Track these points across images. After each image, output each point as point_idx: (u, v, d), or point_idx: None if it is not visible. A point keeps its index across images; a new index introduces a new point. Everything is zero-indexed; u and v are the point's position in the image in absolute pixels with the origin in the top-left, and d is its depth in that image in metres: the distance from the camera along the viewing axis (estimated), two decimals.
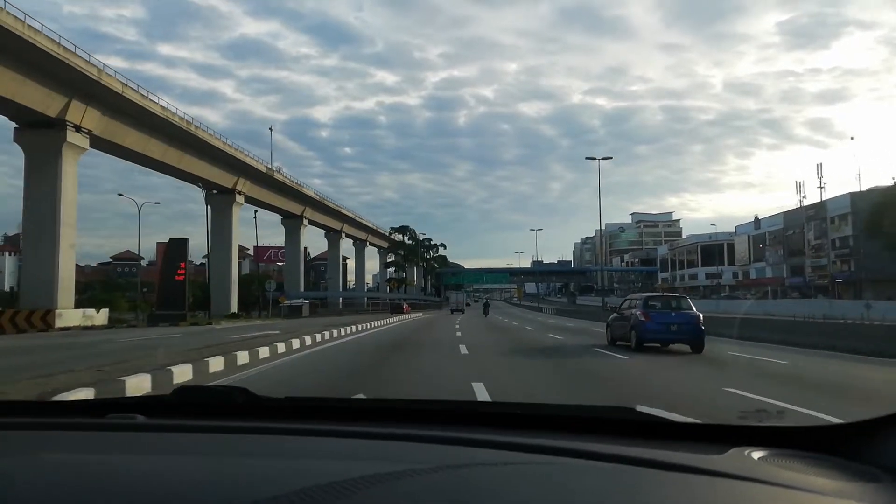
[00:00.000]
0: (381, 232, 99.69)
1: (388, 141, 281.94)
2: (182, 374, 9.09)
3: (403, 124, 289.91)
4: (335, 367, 12.22)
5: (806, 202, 70.71)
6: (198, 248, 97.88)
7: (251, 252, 78.96)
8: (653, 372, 11.33)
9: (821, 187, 69.71)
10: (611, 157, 61.59)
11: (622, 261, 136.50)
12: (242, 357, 11.72)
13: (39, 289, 30.82)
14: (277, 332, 21.02)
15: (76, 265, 38.66)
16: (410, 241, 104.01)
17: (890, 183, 63.76)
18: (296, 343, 15.62)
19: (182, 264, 37.60)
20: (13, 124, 31.99)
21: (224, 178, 49.49)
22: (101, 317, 32.67)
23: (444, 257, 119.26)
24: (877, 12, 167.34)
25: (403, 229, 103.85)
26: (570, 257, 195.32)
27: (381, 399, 2.76)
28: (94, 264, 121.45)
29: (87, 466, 1.10)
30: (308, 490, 0.85)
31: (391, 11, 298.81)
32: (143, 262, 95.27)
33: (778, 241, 73.33)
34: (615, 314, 17.36)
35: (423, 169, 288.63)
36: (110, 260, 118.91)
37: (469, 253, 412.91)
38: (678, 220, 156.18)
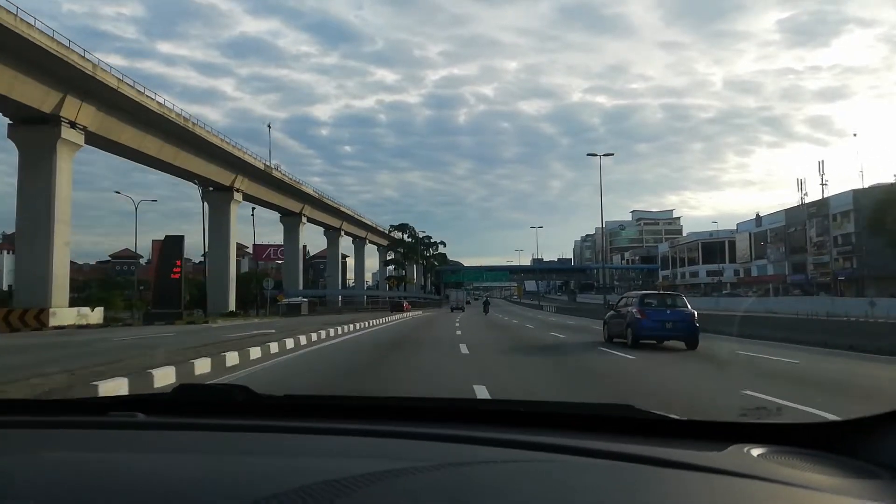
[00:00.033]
0: (381, 230, 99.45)
1: (388, 139, 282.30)
2: (164, 377, 8.53)
3: (403, 122, 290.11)
4: (332, 367, 12.05)
5: (807, 199, 70.71)
6: (197, 245, 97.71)
7: (251, 250, 78.63)
8: (652, 369, 11.36)
9: (822, 184, 69.21)
10: (612, 154, 61.56)
11: (622, 258, 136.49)
12: (232, 358, 11.28)
13: (34, 287, 30.47)
14: (273, 331, 20.65)
15: (75, 263, 38.37)
16: (410, 239, 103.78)
17: (892, 180, 63.65)
18: (290, 343, 15.25)
19: (178, 262, 37.36)
20: (7, 120, 31.69)
21: (222, 176, 49.13)
22: (96, 315, 32.29)
23: (444, 255, 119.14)
24: (877, 10, 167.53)
25: (403, 227, 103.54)
26: (570, 255, 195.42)
27: (382, 396, 2.63)
28: (93, 262, 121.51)
29: (87, 464, 1.10)
30: (308, 488, 0.85)
31: (391, 10, 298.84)
32: (142, 261, 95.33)
33: (780, 238, 73.14)
34: (612, 312, 17.57)
35: (423, 167, 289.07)
36: (109, 258, 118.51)
37: (469, 251, 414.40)
38: (678, 218, 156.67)
